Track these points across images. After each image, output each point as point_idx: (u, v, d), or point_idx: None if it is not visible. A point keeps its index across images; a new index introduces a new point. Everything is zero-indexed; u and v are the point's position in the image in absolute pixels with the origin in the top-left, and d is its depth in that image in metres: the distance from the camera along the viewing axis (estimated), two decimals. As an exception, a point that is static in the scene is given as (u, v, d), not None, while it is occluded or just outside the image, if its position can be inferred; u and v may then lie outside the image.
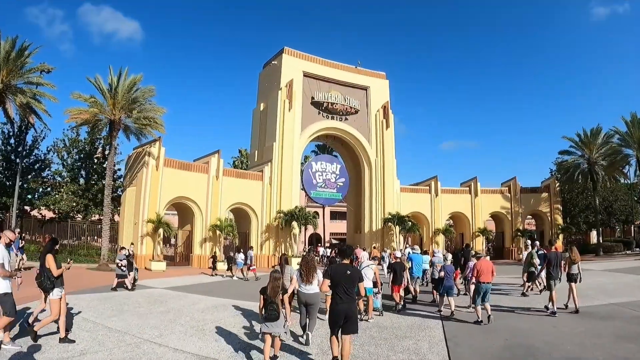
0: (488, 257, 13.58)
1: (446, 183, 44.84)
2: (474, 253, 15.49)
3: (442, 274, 13.13)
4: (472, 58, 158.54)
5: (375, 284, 12.60)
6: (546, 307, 12.85)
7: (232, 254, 28.04)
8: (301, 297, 9.68)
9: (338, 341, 7.42)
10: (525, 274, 16.71)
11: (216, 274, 26.25)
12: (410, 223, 39.08)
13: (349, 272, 7.60)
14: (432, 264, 15.81)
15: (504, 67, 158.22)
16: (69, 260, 10.68)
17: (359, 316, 10.33)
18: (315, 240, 59.23)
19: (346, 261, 8.13)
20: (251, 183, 35.11)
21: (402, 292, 14.12)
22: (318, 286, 9.31)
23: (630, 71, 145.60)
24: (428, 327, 10.97)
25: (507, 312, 13.03)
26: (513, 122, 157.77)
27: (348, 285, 7.45)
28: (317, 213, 57.95)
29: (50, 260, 8.68)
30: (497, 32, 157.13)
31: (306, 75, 39.13)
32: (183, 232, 34.00)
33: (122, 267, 17.42)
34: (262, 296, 7.99)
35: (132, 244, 24.79)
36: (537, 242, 19.75)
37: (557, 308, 12.46)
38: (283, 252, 33.45)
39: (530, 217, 49.20)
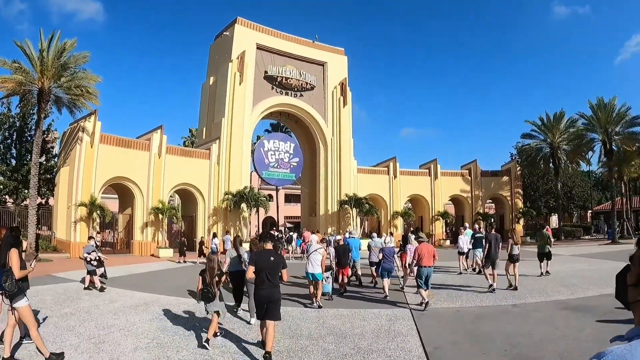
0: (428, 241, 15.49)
1: (405, 166, 44.35)
2: (416, 237, 15.03)
3: (381, 256, 13.69)
4: (431, 45, 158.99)
5: (328, 268, 13.20)
6: (492, 289, 13.76)
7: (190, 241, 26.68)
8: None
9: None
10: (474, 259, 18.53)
11: (185, 261, 25.00)
12: (367, 205, 38.31)
13: (272, 258, 7.83)
14: (369, 247, 16.25)
15: (462, 54, 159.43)
16: (35, 257, 8.77)
17: (310, 302, 12.08)
18: (269, 224, 57.96)
19: (269, 246, 8.24)
20: (197, 162, 33.42)
21: (348, 274, 15.03)
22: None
23: (594, 61, 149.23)
24: (399, 333, 8.95)
25: (488, 309, 11.44)
26: (472, 108, 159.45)
27: (271, 271, 7.70)
28: (270, 196, 56.72)
29: (14, 256, 6.99)
30: (456, 18, 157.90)
31: (260, 47, 37.58)
32: (123, 216, 32.11)
33: (92, 262, 14.74)
34: (200, 278, 8.77)
35: (98, 232, 22.78)
36: (476, 226, 22.71)
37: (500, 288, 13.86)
38: (237, 234, 31.83)
39: (490, 201, 49.37)
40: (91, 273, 14.64)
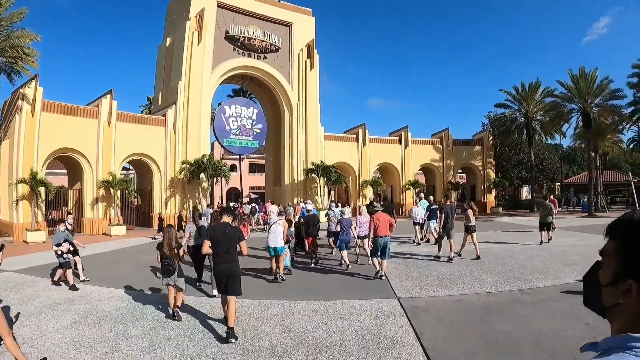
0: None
1: (374, 135, 42.99)
2: (371, 207, 15.48)
3: (339, 227, 14.18)
4: (400, 16, 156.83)
5: (288, 240, 13.17)
6: (450, 259, 14.45)
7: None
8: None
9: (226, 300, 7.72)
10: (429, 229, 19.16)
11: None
12: (336, 174, 37.08)
13: (227, 231, 7.76)
14: (327, 217, 16.68)
15: (433, 25, 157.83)
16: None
17: (273, 276, 12.06)
18: (234, 195, 56.49)
19: (226, 219, 8.12)
20: (152, 130, 31.30)
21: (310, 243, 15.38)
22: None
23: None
24: (393, 340, 7.08)
25: (493, 297, 9.92)
26: (442, 76, 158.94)
27: (227, 244, 7.66)
28: (234, 166, 55.06)
29: None
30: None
31: (221, 5, 35.30)
32: (73, 192, 29.95)
33: (63, 254, 11.85)
34: (158, 251, 8.94)
35: (69, 212, 18.99)
36: (431, 197, 22.97)
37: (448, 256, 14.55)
38: (196, 207, 30.22)
39: (460, 171, 48.73)
40: (65, 266, 11.78)
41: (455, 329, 7.67)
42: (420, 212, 19.71)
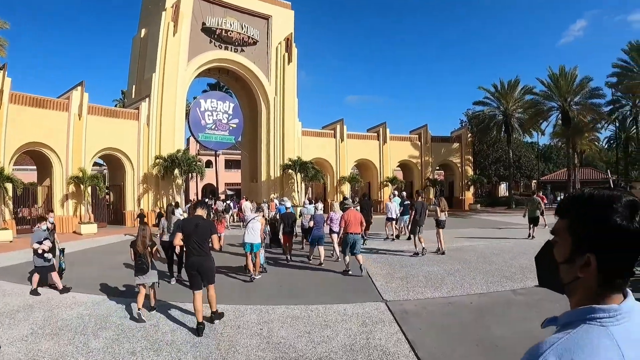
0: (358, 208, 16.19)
1: (352, 131, 42.63)
2: (342, 204, 15.52)
3: (312, 223, 14.26)
4: (381, 13, 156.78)
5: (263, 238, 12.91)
6: (415, 254, 14.88)
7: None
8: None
9: (201, 297, 7.64)
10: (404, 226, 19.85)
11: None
12: (313, 170, 36.65)
13: (199, 224, 7.79)
14: (300, 213, 17.16)
15: (413, 22, 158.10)
16: None
17: (249, 275, 11.80)
18: (209, 191, 55.74)
19: (200, 212, 8.16)
20: (125, 123, 30.37)
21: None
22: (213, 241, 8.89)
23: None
24: (385, 351, 6.54)
25: (486, 298, 9.55)
26: (421, 73, 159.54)
27: (198, 238, 7.69)
28: (210, 162, 54.28)
29: None
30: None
31: (198, -4, 34.58)
32: (42, 188, 28.74)
33: (44, 254, 10.60)
34: (131, 249, 8.86)
35: (50, 211, 18.07)
36: (404, 193, 24.09)
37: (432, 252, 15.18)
38: (170, 202, 29.40)
39: (438, 167, 48.76)
40: (49, 269, 10.64)
41: (450, 335, 7.25)
42: (394, 207, 20.07)
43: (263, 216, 13.64)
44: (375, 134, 43.42)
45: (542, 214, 20.15)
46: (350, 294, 10.16)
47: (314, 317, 8.37)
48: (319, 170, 37.70)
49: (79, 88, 28.09)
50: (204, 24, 34.62)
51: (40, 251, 10.50)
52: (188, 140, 49.60)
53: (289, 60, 38.70)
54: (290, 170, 36.94)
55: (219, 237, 10.78)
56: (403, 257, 15.01)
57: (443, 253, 15.06)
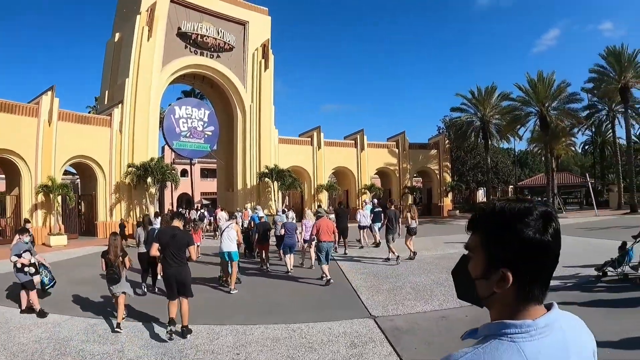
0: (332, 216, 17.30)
1: (330, 137, 42.38)
2: (316, 212, 15.59)
3: (283, 231, 14.08)
4: (354, 22, 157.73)
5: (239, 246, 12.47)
6: (387, 259, 15.17)
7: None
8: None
9: (176, 305, 7.69)
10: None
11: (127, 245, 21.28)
12: (290, 179, 36.14)
13: (175, 234, 7.83)
14: (274, 222, 16.99)
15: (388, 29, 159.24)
16: None
17: (229, 286, 11.45)
18: (185, 201, 54.80)
19: (176, 223, 8.24)
20: (96, 130, 29.41)
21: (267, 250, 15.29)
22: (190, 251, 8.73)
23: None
24: None
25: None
26: (397, 80, 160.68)
27: (175, 248, 7.71)
28: (185, 170, 53.38)
29: None
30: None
31: (174, 0, 33.88)
32: (10, 198, 27.46)
33: (26, 269, 9.74)
34: (103, 259, 8.70)
35: (27, 220, 16.40)
36: (375, 200, 24.78)
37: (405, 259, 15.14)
38: (146, 213, 28.50)
39: (416, 174, 48.77)
40: (28, 286, 9.63)
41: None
42: (366, 215, 20.22)
43: (237, 224, 13.48)
44: (353, 142, 43.14)
45: None
46: (335, 309, 9.52)
47: (296, 338, 7.64)
48: (296, 179, 37.22)
49: (49, 93, 27.11)
50: (179, 28, 34.02)
51: (19, 265, 9.59)
52: (163, 148, 48.77)
53: (266, 67, 38.25)
54: (267, 179, 36.30)
55: (196, 247, 11.17)
56: (385, 266, 14.59)
57: (414, 255, 15.48)
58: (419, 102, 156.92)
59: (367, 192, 41.84)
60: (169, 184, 32.66)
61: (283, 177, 35.71)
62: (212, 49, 35.79)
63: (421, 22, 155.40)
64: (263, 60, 38.17)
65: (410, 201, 44.39)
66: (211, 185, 55.18)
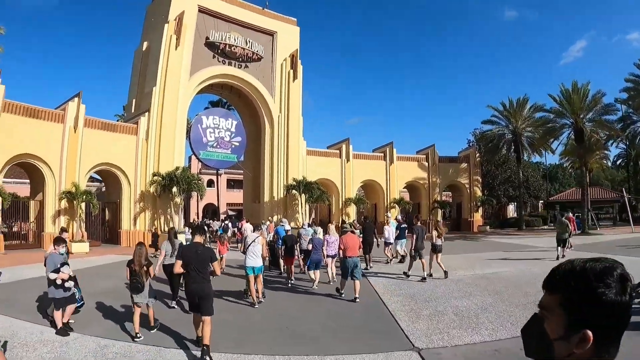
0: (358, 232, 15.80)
1: (357, 149, 41.14)
2: (342, 227, 15.88)
3: (310, 246, 13.85)
4: (383, 34, 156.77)
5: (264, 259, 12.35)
6: (424, 279, 14.13)
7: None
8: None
9: (199, 320, 7.36)
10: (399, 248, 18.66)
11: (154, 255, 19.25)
12: (318, 191, 34.94)
13: (198, 251, 7.64)
14: (299, 235, 16.24)
15: (415, 41, 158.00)
16: None
17: (253, 301, 10.91)
18: (211, 211, 54.04)
19: (199, 239, 8.03)
20: (123, 138, 28.77)
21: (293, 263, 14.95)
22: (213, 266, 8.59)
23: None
24: None
25: None
26: (426, 92, 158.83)
27: (199, 265, 7.49)
28: (212, 181, 52.64)
29: None
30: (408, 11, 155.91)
31: (202, 10, 33.34)
32: (35, 203, 26.95)
33: (64, 283, 8.47)
34: (127, 268, 8.58)
35: (64, 229, 15.04)
36: (399, 216, 24.11)
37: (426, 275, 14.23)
38: (172, 226, 27.62)
39: (445, 188, 47.03)
40: (68, 302, 8.50)
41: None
42: (392, 231, 19.27)
43: (263, 237, 13.18)
44: (382, 154, 41.79)
45: (570, 235, 19.83)
46: (372, 337, 8.15)
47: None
48: (324, 192, 36.01)
49: (76, 99, 26.62)
50: (207, 38, 33.38)
51: (59, 281, 8.32)
52: (189, 158, 48.26)
53: (294, 77, 37.32)
54: (294, 191, 35.18)
55: (221, 260, 11.68)
56: (420, 286, 13.27)
57: (434, 275, 14.57)
58: (446, 115, 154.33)
59: (396, 206, 40.47)
60: (194, 193, 31.69)
61: (311, 189, 34.50)
62: (240, 59, 35.02)
63: (445, 35, 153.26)
64: (292, 71, 37.24)
65: (439, 216, 42.94)
66: (237, 196, 54.32)
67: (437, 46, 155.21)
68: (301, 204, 35.60)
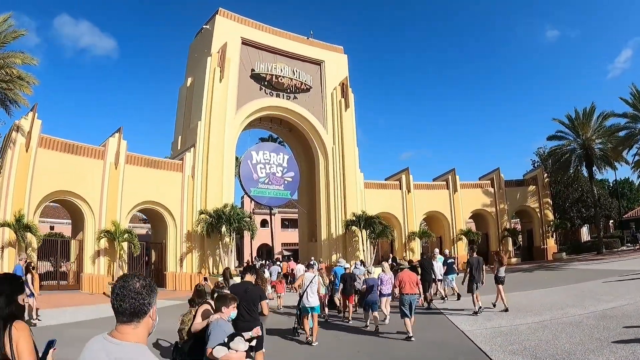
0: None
1: (417, 179, 37.10)
2: (396, 265, 15.47)
3: (365, 287, 13.07)
4: (435, 61, 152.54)
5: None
6: (475, 312, 13.27)
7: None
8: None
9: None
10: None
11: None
12: (381, 226, 30.64)
13: (247, 290, 7.42)
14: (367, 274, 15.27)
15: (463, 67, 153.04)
16: None
17: (307, 337, 10.99)
18: (265, 252, 50.60)
19: (249, 278, 7.86)
20: (167, 175, 25.68)
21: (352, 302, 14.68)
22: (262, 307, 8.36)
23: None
24: None
25: None
26: (482, 119, 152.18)
27: (247, 303, 7.22)
28: (265, 221, 49.40)
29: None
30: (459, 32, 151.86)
31: (246, 43, 30.64)
32: (75, 242, 24.21)
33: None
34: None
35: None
36: (447, 251, 22.22)
37: (485, 307, 13.49)
38: (227, 266, 24.07)
39: (512, 215, 41.84)
40: None
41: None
42: (439, 267, 17.88)
43: (319, 275, 12.45)
44: (444, 182, 37.24)
45: None
46: None
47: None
48: (387, 226, 31.79)
49: (116, 135, 23.80)
50: (252, 70, 30.51)
51: None
52: (242, 198, 45.47)
53: (346, 106, 33.77)
54: (354, 227, 31.00)
55: (279, 298, 12.39)
56: (536, 334, 10.05)
57: (506, 310, 13.27)
58: (498, 139, 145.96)
59: (463, 237, 35.90)
60: (247, 233, 28.29)
61: (372, 224, 30.20)
62: (288, 90, 31.89)
63: (486, 57, 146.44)
64: (343, 100, 33.68)
65: (510, 246, 38.04)
66: (292, 235, 50.49)
67: (480, 72, 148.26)
68: (362, 240, 31.52)
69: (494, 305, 13.79)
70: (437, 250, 20.77)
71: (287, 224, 55.39)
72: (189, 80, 30.96)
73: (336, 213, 32.25)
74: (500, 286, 13.66)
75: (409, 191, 35.30)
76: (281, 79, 31.34)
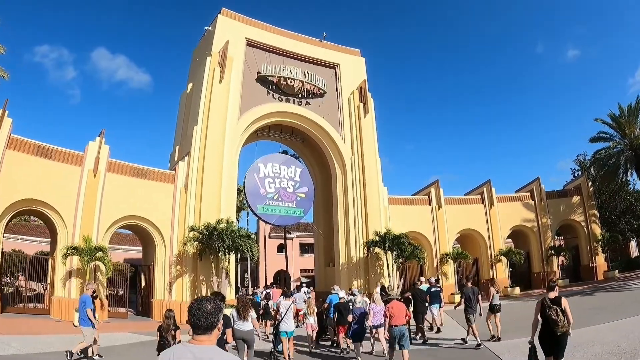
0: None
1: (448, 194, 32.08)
2: (385, 295, 14.69)
3: (351, 317, 12.64)
4: (449, 75, 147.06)
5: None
6: (463, 340, 13.28)
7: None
8: (237, 333, 9.56)
9: None
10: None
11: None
12: (410, 247, 25.63)
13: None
14: (352, 302, 14.38)
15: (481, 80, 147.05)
16: None
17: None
18: (283, 278, 45.55)
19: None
20: (157, 187, 21.47)
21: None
22: (252, 323, 9.77)
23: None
24: None
25: None
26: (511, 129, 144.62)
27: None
28: (282, 245, 44.57)
29: None
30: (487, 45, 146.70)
31: (251, 44, 26.81)
32: (52, 259, 19.78)
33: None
34: (158, 333, 9.03)
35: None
36: (432, 279, 18.77)
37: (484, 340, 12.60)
38: (245, 293, 18.91)
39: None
40: None
41: None
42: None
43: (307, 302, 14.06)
44: (479, 196, 32.14)
45: None
46: None
47: None
48: (417, 246, 26.72)
49: (97, 138, 19.88)
50: (259, 72, 26.48)
51: None
52: (258, 221, 40.89)
53: (365, 112, 29.23)
54: (377, 249, 26.14)
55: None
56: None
57: (499, 339, 12.69)
58: (534, 148, 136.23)
59: (503, 258, 30.53)
60: (250, 254, 23.56)
61: (400, 244, 25.16)
62: (299, 95, 27.67)
63: (505, 76, 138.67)
64: (361, 105, 29.26)
65: (555, 266, 32.45)
66: (311, 261, 45.83)
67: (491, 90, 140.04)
68: (387, 263, 26.52)
69: (492, 337, 12.94)
70: (422, 278, 19.53)
71: (306, 248, 49.85)
72: (189, 86, 27.07)
73: (356, 233, 27.45)
74: (498, 314, 13.23)
75: (439, 207, 30.34)
76: (291, 82, 27.18)
